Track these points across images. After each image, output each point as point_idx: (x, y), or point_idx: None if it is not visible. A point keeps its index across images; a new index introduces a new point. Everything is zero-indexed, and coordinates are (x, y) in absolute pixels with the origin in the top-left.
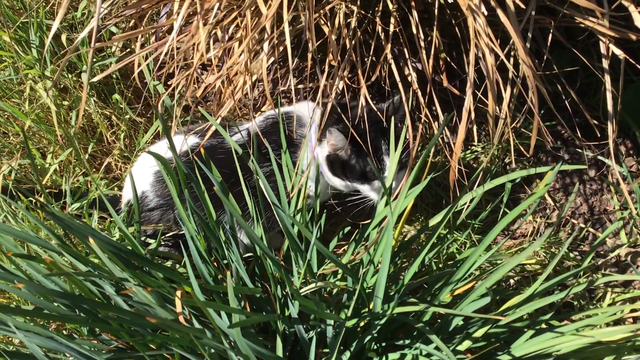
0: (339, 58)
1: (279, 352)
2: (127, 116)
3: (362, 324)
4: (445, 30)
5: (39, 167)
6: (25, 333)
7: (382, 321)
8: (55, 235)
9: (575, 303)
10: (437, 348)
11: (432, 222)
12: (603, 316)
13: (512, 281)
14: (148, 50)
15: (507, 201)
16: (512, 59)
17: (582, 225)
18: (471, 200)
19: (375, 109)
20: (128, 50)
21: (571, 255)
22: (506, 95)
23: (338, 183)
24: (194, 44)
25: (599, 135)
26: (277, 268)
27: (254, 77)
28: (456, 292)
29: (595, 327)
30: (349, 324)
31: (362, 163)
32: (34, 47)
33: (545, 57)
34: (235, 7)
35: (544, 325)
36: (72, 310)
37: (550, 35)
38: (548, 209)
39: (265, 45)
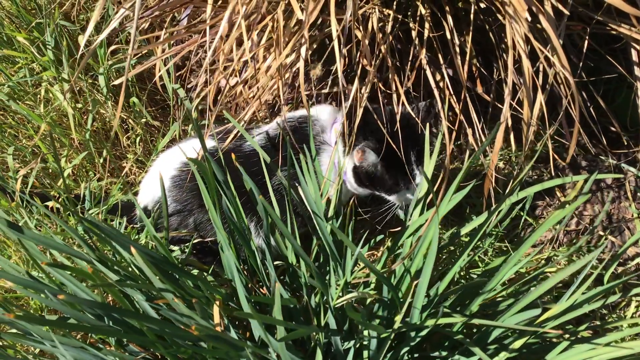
0: (372, 63)
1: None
2: (143, 120)
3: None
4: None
5: (50, 171)
6: (53, 343)
7: (424, 333)
8: (87, 244)
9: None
10: None
11: (464, 230)
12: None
13: (532, 289)
14: (170, 54)
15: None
16: (541, 65)
17: (601, 233)
18: (500, 210)
19: (416, 117)
20: (145, 51)
21: (593, 263)
22: (537, 103)
23: (363, 192)
24: (221, 48)
25: (626, 143)
26: (319, 280)
27: (280, 81)
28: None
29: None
30: (386, 334)
31: (392, 176)
32: (50, 48)
33: (581, 64)
34: (265, 11)
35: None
36: (100, 319)
37: (586, 42)
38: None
39: (303, 50)
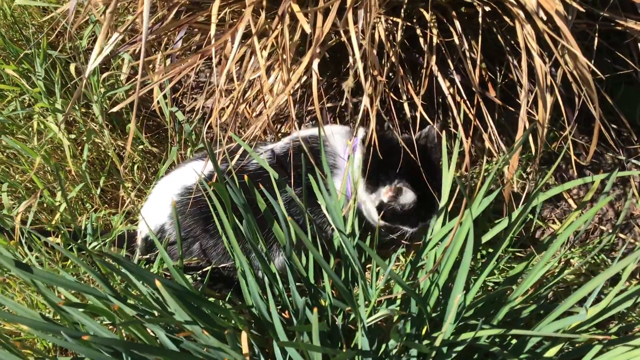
0: (382, 72)
1: None
2: (140, 147)
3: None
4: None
5: (46, 206)
6: None
7: (460, 348)
8: (102, 279)
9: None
10: None
11: (486, 238)
12: None
13: (550, 294)
14: (167, 77)
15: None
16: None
17: (611, 232)
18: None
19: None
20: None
21: (608, 262)
22: (548, 104)
23: (381, 224)
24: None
25: (635, 139)
26: (348, 299)
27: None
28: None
29: None
30: (427, 352)
31: (417, 211)
32: (40, 79)
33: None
34: (271, 28)
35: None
36: (118, 357)
37: (596, 39)
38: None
39: (315, 64)
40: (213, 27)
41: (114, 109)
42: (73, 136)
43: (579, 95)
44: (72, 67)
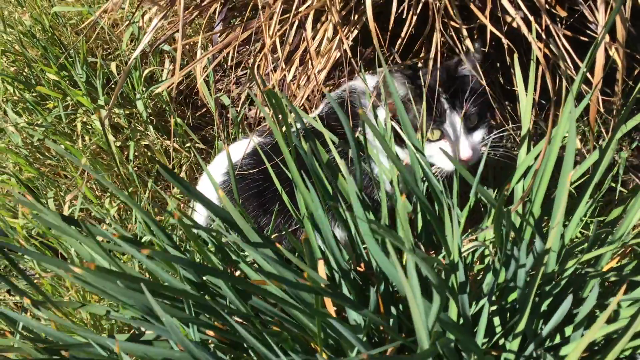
0: None
1: (454, 315)
2: (188, 145)
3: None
4: None
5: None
6: None
7: (568, 272)
8: (154, 222)
9: None
10: None
11: (575, 176)
12: None
13: None
14: (210, 54)
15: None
16: None
17: None
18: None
19: None
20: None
21: None
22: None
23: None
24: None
25: None
26: (437, 228)
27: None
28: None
29: None
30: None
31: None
32: (82, 82)
33: None
34: None
35: None
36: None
37: None
38: None
39: None
40: None
41: (158, 89)
42: (119, 143)
43: None
44: (112, 65)
